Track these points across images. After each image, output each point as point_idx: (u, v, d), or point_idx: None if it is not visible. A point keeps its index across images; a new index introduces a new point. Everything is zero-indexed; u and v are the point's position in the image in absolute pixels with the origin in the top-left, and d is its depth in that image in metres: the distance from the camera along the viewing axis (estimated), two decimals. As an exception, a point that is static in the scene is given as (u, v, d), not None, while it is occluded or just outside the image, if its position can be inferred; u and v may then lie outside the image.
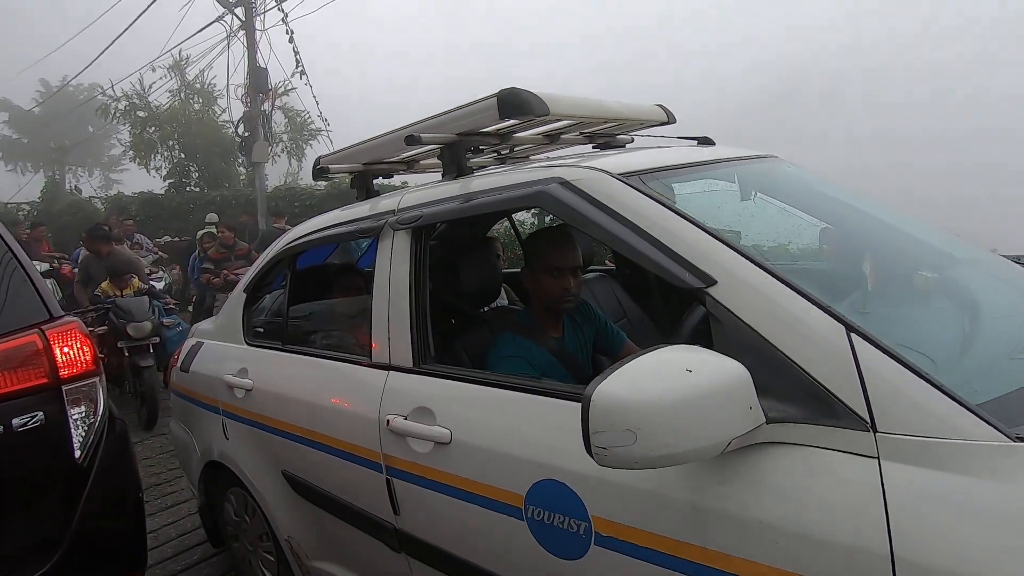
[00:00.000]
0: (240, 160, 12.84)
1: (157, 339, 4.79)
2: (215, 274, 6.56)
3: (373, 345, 1.55)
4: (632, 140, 2.14)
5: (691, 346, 0.89)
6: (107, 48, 11.88)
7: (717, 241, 1.00)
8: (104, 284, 5.00)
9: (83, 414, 1.76)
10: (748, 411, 0.83)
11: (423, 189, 1.61)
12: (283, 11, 9.06)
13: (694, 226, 1.03)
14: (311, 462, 1.69)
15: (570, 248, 1.58)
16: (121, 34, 11.32)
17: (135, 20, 10.72)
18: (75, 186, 17.24)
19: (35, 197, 16.80)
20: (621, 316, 2.47)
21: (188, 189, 13.17)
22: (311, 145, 13.36)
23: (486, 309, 1.96)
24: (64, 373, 1.71)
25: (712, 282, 0.96)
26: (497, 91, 1.42)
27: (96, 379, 1.81)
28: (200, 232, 8.26)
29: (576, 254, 1.59)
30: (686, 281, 0.99)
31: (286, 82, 11.40)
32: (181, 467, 2.80)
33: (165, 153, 13.23)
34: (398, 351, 1.48)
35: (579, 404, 0.79)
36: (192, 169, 13.24)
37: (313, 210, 10.18)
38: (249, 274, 2.27)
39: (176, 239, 10.56)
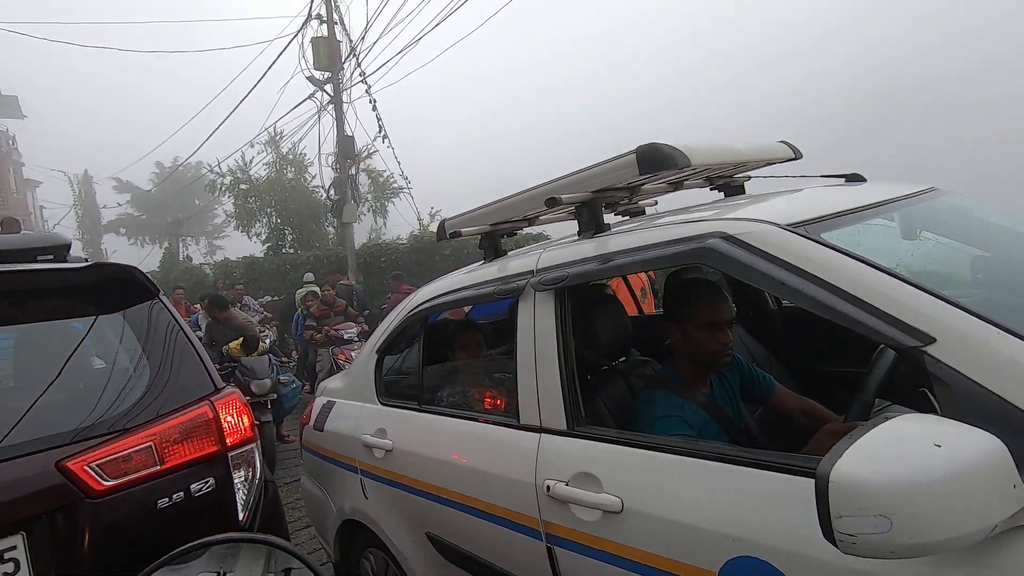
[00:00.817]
0: (330, 221, 13.75)
1: (275, 396, 5.09)
2: (317, 330, 6.93)
3: (521, 406, 1.55)
4: (749, 178, 2.09)
5: (923, 415, 0.82)
6: (213, 133, 13.37)
7: (926, 294, 0.93)
8: (233, 345, 5.36)
9: (244, 478, 1.87)
10: (1012, 490, 0.74)
11: (560, 247, 1.62)
12: (367, 84, 9.81)
13: (894, 278, 0.96)
14: (459, 525, 1.69)
15: (724, 300, 1.52)
16: (225, 120, 12.69)
17: (237, 106, 11.98)
18: (187, 255, 19.12)
19: (155, 267, 18.81)
20: (746, 357, 2.35)
21: (284, 251, 14.20)
22: (393, 203, 14.14)
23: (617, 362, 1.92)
24: (229, 440, 1.83)
25: (930, 340, 0.88)
26: (636, 148, 1.43)
27: (254, 444, 1.93)
28: (301, 291, 8.84)
29: (730, 305, 1.53)
30: (896, 340, 0.91)
31: (369, 146, 12.20)
32: (312, 523, 2.88)
33: (263, 219, 14.43)
34: (549, 413, 1.47)
35: (772, 473, 0.73)
36: (287, 232, 14.32)
37: (398, 265, 10.68)
38: (379, 335, 2.34)
39: (275, 298, 11.32)
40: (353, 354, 6.61)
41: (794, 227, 1.14)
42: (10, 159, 27.72)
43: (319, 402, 2.62)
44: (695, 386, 1.58)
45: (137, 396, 1.77)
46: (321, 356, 6.83)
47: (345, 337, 6.79)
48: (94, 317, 1.87)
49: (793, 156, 1.91)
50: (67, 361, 1.84)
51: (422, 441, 1.89)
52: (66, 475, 1.50)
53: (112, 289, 1.87)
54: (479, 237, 2.02)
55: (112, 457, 1.58)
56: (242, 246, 16.38)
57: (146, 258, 23.54)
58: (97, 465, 1.55)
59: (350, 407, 2.35)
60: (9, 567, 1.42)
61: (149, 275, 1.99)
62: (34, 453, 1.51)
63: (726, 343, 1.51)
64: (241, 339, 5.33)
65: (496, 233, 1.99)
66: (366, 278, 10.92)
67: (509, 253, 1.99)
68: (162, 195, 27.85)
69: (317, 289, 7.80)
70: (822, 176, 1.75)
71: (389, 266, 10.78)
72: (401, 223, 13.51)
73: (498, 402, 1.91)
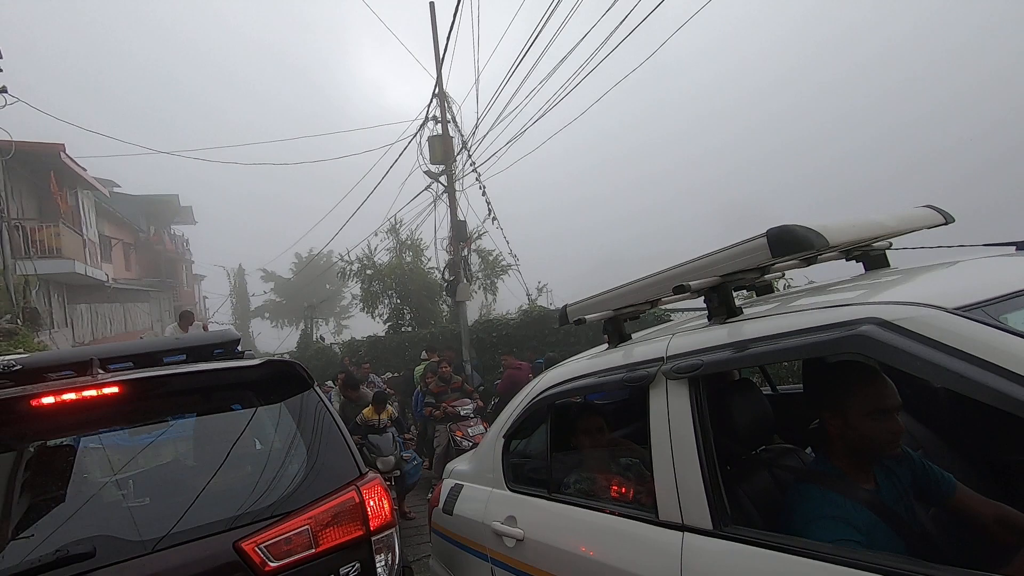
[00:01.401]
0: (444, 300, 14.52)
1: (399, 472, 5.29)
2: (436, 407, 7.17)
3: (659, 501, 1.49)
4: (891, 246, 1.94)
5: None
6: (343, 227, 15.05)
7: None
8: (367, 410, 5.72)
9: (386, 562, 1.94)
10: None
11: (691, 333, 1.59)
12: (477, 172, 10.58)
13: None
14: (597, 624, 1.61)
15: (888, 384, 1.38)
16: (352, 215, 14.28)
17: (363, 203, 13.45)
18: (320, 335, 21.02)
19: (292, 346, 20.84)
20: (913, 447, 2.07)
21: (403, 329, 15.13)
22: (502, 279, 14.69)
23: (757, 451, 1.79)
24: (373, 525, 1.92)
25: None
26: (767, 231, 1.40)
27: (393, 529, 2.01)
28: (419, 368, 9.28)
29: (895, 389, 1.39)
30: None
31: (479, 227, 12.95)
32: None
33: (385, 300, 15.60)
34: (691, 510, 1.39)
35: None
36: (406, 311, 15.30)
37: (508, 340, 10.94)
38: (504, 419, 2.37)
39: (395, 374, 11.96)
40: (470, 430, 6.73)
41: (966, 310, 1.04)
42: (184, 259, 32.88)
43: (447, 484, 2.65)
44: (856, 481, 1.42)
45: (295, 480, 1.94)
46: (439, 432, 7.01)
47: (462, 413, 6.95)
48: (262, 407, 2.11)
49: (943, 221, 1.76)
50: (237, 448, 2.07)
51: (554, 532, 1.85)
52: (241, 555, 1.66)
53: (278, 381, 2.11)
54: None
55: (277, 539, 1.72)
56: (366, 325, 17.76)
57: (285, 339, 26.28)
58: (265, 546, 1.70)
59: (479, 491, 2.36)
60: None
61: (287, 355, 2.23)
62: (216, 534, 1.69)
63: (896, 433, 1.36)
64: (370, 405, 5.68)
65: (620, 318, 1.99)
66: (478, 353, 11.24)
67: (634, 337, 1.98)
68: (299, 282, 31.33)
69: (434, 366, 8.15)
70: (985, 245, 1.58)
71: (500, 341, 11.05)
72: (510, 299, 13.93)
73: (629, 492, 1.85)
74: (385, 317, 15.61)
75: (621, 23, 6.17)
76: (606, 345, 2.08)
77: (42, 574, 1.50)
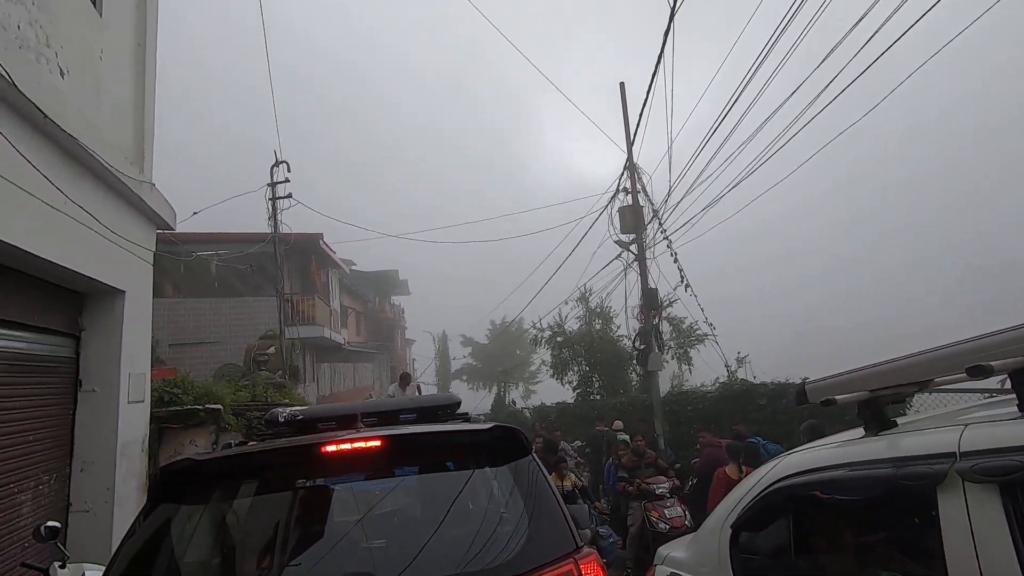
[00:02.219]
0: (634, 368, 14.18)
1: (594, 548, 5.13)
2: (629, 482, 6.89)
3: None
4: None
5: None
6: (534, 297, 15.92)
7: None
8: (552, 478, 5.76)
9: (601, 645, 1.88)
10: None
11: (997, 424, 1.31)
12: (669, 240, 10.43)
13: None
14: None
15: None
16: (544, 285, 15.06)
17: (554, 273, 14.14)
18: (512, 399, 22.04)
19: (487, 409, 22.09)
20: None
21: (592, 397, 15.07)
22: (697, 349, 13.91)
23: None
24: (589, 602, 1.90)
25: None
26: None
27: (611, 611, 1.95)
28: (613, 436, 9.08)
29: None
30: None
31: (671, 295, 12.58)
32: None
33: (574, 368, 15.80)
34: None
35: None
36: (595, 379, 15.27)
37: (704, 414, 10.16)
38: (730, 507, 2.17)
39: (584, 444, 11.84)
40: (667, 511, 6.29)
41: None
42: (399, 325, 37.68)
43: (661, 572, 2.51)
44: None
45: (514, 545, 2.01)
46: (633, 510, 6.68)
47: (657, 492, 6.55)
48: (486, 468, 2.27)
49: None
50: (454, 502, 2.24)
51: None
52: None
53: (501, 445, 2.25)
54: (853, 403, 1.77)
55: None
56: (554, 391, 18.11)
57: (480, 401, 27.98)
58: None
59: None
60: None
61: (482, 416, 2.35)
62: None
63: None
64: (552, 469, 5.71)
65: (880, 400, 1.74)
66: (671, 427, 10.61)
67: (900, 424, 1.70)
68: (494, 348, 33.49)
69: (627, 438, 7.91)
70: None
71: (695, 415, 10.32)
72: (706, 370, 13.04)
73: None
74: (574, 384, 15.76)
75: (837, 75, 5.76)
76: (860, 431, 1.82)
77: None
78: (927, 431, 1.50)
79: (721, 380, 11.13)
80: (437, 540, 2.07)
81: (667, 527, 6.10)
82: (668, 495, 6.55)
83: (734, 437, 7.52)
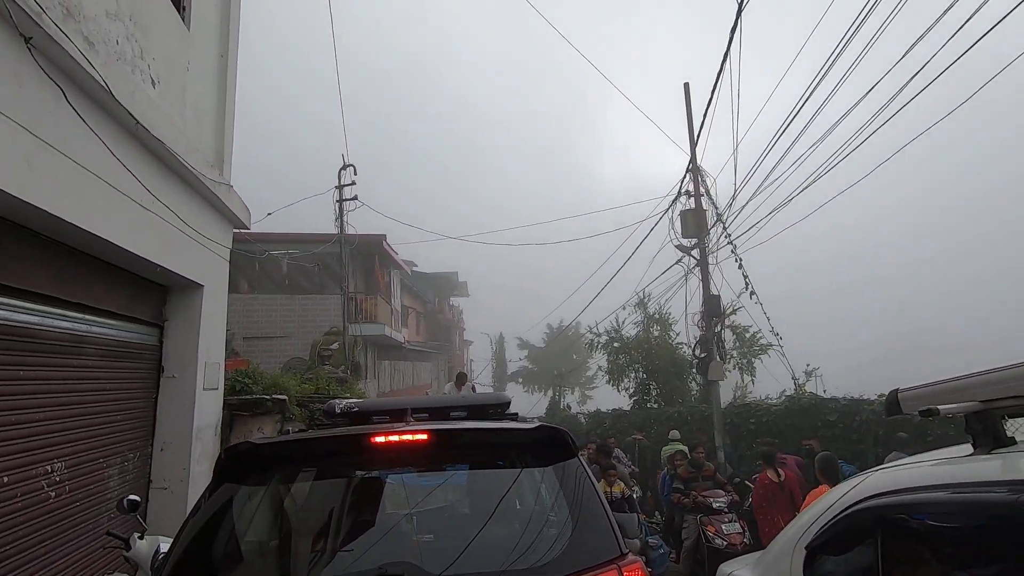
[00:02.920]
0: (693, 377, 13.76)
1: (643, 558, 5.01)
2: (684, 494, 6.68)
3: None
4: None
5: None
6: (592, 300, 15.73)
7: None
8: (601, 484, 5.71)
9: (643, 657, 1.83)
10: None
11: None
12: (733, 245, 10.05)
13: None
14: None
15: None
16: (602, 289, 14.85)
17: (613, 277, 13.92)
18: (567, 404, 21.89)
19: (542, 412, 22.07)
20: None
21: (648, 405, 14.73)
22: (761, 360, 13.32)
23: None
24: (634, 610, 1.86)
25: None
26: None
27: (655, 621, 1.90)
28: (667, 449, 8.84)
29: None
30: None
31: (734, 302, 12.10)
32: None
33: (631, 374, 15.51)
34: None
35: None
36: (652, 387, 14.92)
37: (768, 428, 9.68)
38: (804, 526, 2.01)
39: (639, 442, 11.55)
40: (724, 527, 6.05)
41: None
42: (457, 326, 38.30)
43: None
44: None
45: (558, 546, 1.99)
46: (688, 523, 6.47)
47: (714, 506, 6.32)
48: (533, 468, 2.27)
49: None
50: (507, 502, 2.25)
51: None
52: None
53: (547, 446, 2.24)
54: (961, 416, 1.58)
55: None
56: (609, 397, 17.84)
57: (535, 404, 28.01)
58: None
59: None
60: None
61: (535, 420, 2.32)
62: None
63: None
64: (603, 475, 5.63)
65: (994, 413, 1.53)
66: (733, 440, 10.20)
67: (1020, 442, 1.49)
68: (549, 352, 33.41)
69: (685, 448, 7.68)
70: None
71: (759, 429, 9.86)
72: (770, 382, 12.44)
73: None
74: (631, 391, 15.47)
75: (920, 72, 5.37)
76: (965, 448, 1.64)
77: None
78: None
79: (788, 393, 10.59)
80: (482, 537, 2.09)
81: (724, 543, 5.87)
82: (726, 510, 6.31)
83: (805, 455, 7.14)
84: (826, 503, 1.94)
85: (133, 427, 4.63)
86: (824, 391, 10.15)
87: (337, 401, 3.21)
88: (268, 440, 2.34)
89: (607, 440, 9.83)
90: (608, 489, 5.76)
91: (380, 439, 2.15)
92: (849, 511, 1.77)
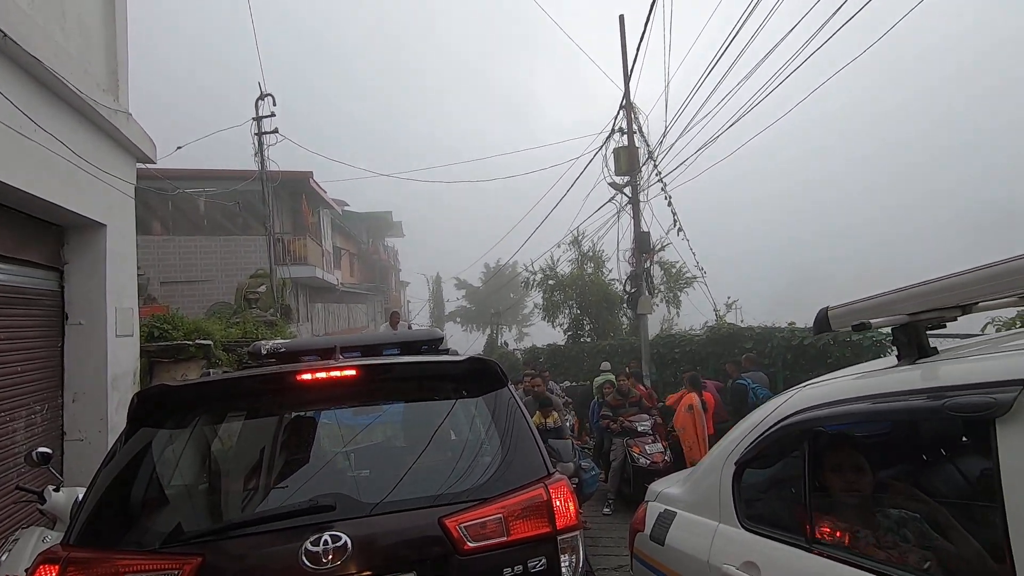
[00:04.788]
0: (624, 311, 14.36)
1: (576, 481, 5.35)
2: (612, 420, 7.10)
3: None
4: None
5: None
6: (527, 239, 15.83)
7: None
8: (535, 417, 5.98)
9: (570, 564, 1.95)
10: None
11: None
12: (663, 183, 10.28)
13: None
14: None
15: None
16: (537, 227, 14.94)
17: (548, 215, 13.99)
18: (504, 341, 22.39)
19: (480, 351, 22.50)
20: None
21: (582, 339, 15.32)
22: (686, 293, 14.03)
23: None
24: (559, 524, 1.95)
25: None
26: None
27: (579, 532, 2.04)
28: (598, 379, 9.29)
29: None
30: None
31: (663, 238, 12.54)
32: None
33: (565, 311, 15.99)
34: None
35: None
36: (585, 322, 15.48)
37: (692, 356, 10.36)
38: (735, 443, 2.02)
39: (574, 383, 12.13)
40: (647, 448, 6.52)
41: None
42: (393, 267, 37.65)
43: (654, 508, 2.41)
44: None
45: (490, 471, 2.08)
46: (615, 446, 6.92)
47: (639, 429, 6.77)
48: (463, 399, 2.32)
49: None
50: (440, 433, 2.30)
51: None
52: (444, 531, 1.84)
53: (478, 377, 2.29)
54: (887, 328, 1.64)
55: (475, 522, 1.86)
56: (546, 334, 18.41)
57: (473, 343, 28.44)
58: (465, 526, 1.85)
59: (700, 524, 2.06)
60: (407, 600, 1.78)
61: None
62: (425, 508, 1.90)
63: None
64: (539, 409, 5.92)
65: (919, 325, 1.56)
66: (658, 368, 10.85)
67: (941, 352, 1.53)
68: (487, 291, 33.69)
69: (613, 378, 8.09)
70: None
71: (683, 358, 10.52)
72: (695, 314, 13.20)
73: (948, 557, 1.44)
74: (565, 327, 15.98)
75: (837, 11, 5.51)
76: (886, 361, 1.69)
77: (300, 516, 1.83)
78: (989, 357, 1.37)
79: (709, 324, 11.29)
80: (416, 467, 2.14)
81: (648, 462, 6.34)
82: (650, 432, 6.77)
83: (724, 378, 7.72)
84: (755, 419, 1.97)
85: (38, 378, 4.31)
86: (741, 321, 10.90)
87: (263, 342, 3.11)
88: (185, 383, 2.25)
89: (543, 374, 10.20)
90: (544, 420, 6.01)
91: (307, 376, 2.12)
92: (778, 426, 1.81)
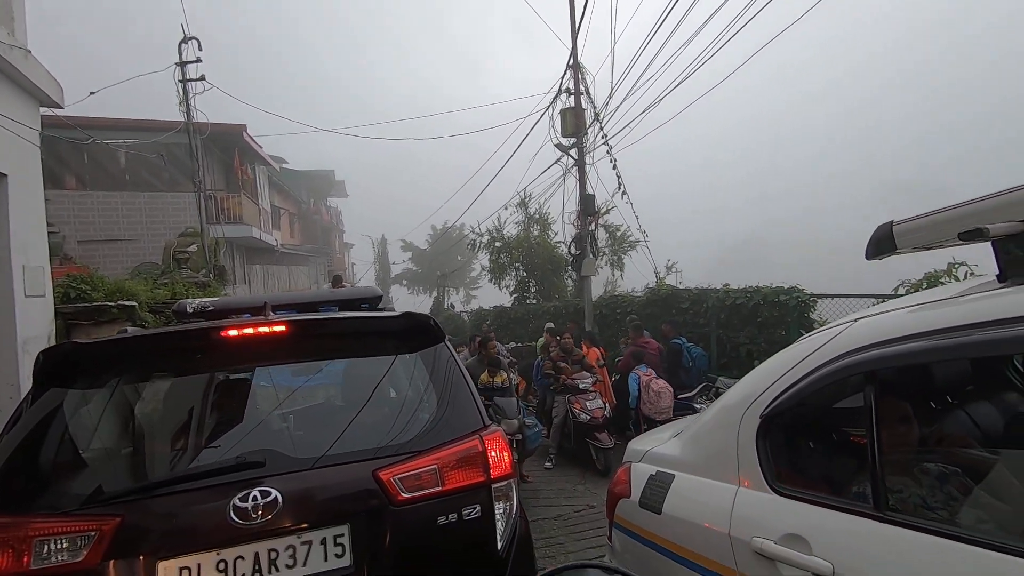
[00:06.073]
0: (569, 274, 14.57)
1: (520, 436, 5.50)
2: (555, 378, 7.30)
3: None
4: None
5: None
6: (474, 201, 15.67)
7: None
8: (483, 376, 6.07)
9: (503, 510, 2.03)
10: None
11: None
12: (609, 145, 10.34)
13: None
14: None
15: None
16: (484, 189, 14.80)
17: (494, 176, 13.85)
18: (450, 303, 22.34)
19: (426, 312, 22.35)
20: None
21: (528, 301, 15.49)
22: (630, 256, 14.37)
23: None
24: (493, 473, 2.01)
25: None
26: None
27: (512, 480, 2.10)
28: (541, 340, 9.47)
29: None
30: None
31: (608, 201, 12.71)
32: None
33: (512, 273, 16.06)
34: None
35: None
36: (531, 284, 15.63)
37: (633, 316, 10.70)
38: (760, 389, 1.65)
39: (520, 345, 12.32)
40: (588, 404, 6.76)
41: None
42: (337, 228, 36.47)
43: (642, 470, 2.07)
44: None
45: (426, 424, 2.10)
46: (557, 403, 7.13)
47: (580, 387, 6.99)
48: (399, 355, 2.30)
49: None
50: (377, 388, 2.29)
51: (904, 574, 1.19)
52: (379, 483, 1.85)
53: (414, 333, 2.28)
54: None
55: (409, 473, 1.89)
56: (493, 296, 18.51)
57: (419, 305, 28.32)
58: (399, 478, 1.87)
59: (712, 489, 1.72)
60: (339, 550, 1.80)
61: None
62: (358, 461, 1.90)
63: None
64: (485, 371, 6.02)
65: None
66: (601, 329, 11.16)
67: None
68: (434, 253, 33.30)
69: (558, 338, 8.26)
70: None
71: (624, 318, 10.85)
72: (637, 277, 13.57)
73: None
74: (511, 289, 16.09)
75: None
76: (960, 286, 1.42)
77: (227, 473, 1.79)
78: None
79: (650, 285, 11.65)
80: (352, 423, 2.12)
81: (588, 417, 6.58)
82: (591, 389, 7.00)
83: (661, 337, 8.02)
84: (785, 362, 1.61)
85: (-65, 341, 3.96)
86: (680, 283, 11.29)
87: (189, 300, 2.96)
88: (96, 340, 2.11)
89: (489, 335, 10.28)
90: (491, 380, 6.09)
91: (234, 333, 2.04)
92: (829, 368, 1.45)
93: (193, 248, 10.29)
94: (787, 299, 7.32)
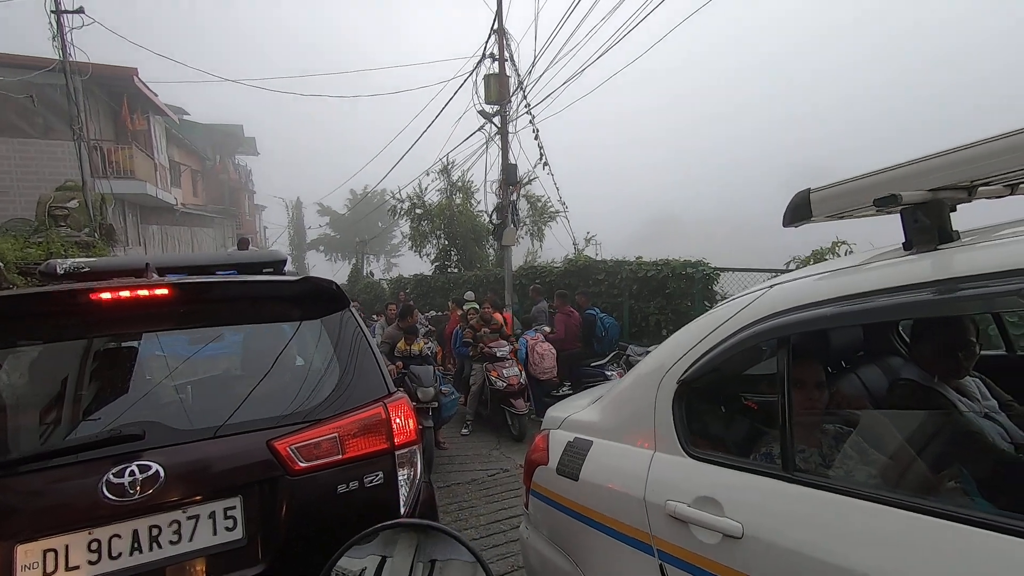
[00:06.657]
0: (490, 243, 14.59)
1: (436, 404, 5.51)
2: (473, 346, 7.35)
3: None
4: None
5: None
6: (395, 165, 15.16)
7: None
8: (400, 343, 6.01)
9: (407, 476, 2.04)
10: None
11: None
12: (531, 114, 10.31)
13: None
14: None
15: None
16: (406, 153, 14.33)
17: (416, 141, 13.45)
18: (370, 271, 21.70)
19: (344, 280, 21.64)
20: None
21: (449, 270, 15.38)
22: (550, 227, 14.59)
23: None
24: (397, 440, 2.01)
25: None
26: None
27: (416, 447, 2.10)
28: (465, 307, 9.47)
29: None
30: None
31: (529, 172, 12.76)
32: None
33: (433, 241, 15.84)
34: None
35: None
36: (453, 253, 15.50)
37: (552, 287, 10.93)
38: (678, 355, 1.67)
39: (439, 313, 12.26)
40: (505, 371, 6.88)
41: None
42: (246, 189, 34.09)
43: (560, 437, 2.07)
44: None
45: (327, 392, 2.04)
46: (475, 371, 7.21)
47: (498, 355, 7.09)
48: (300, 322, 2.20)
49: None
50: (277, 357, 2.19)
51: (804, 531, 1.22)
52: (273, 453, 1.79)
53: (316, 299, 2.19)
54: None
55: (307, 443, 1.84)
56: (414, 264, 18.20)
57: (337, 272, 27.35)
58: (296, 448, 1.81)
59: (627, 454, 1.73)
60: (230, 523, 1.72)
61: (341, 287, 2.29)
62: (252, 432, 1.82)
63: None
64: (403, 338, 5.98)
65: (942, 203, 1.24)
66: (521, 299, 11.32)
67: (963, 236, 1.25)
68: (353, 218, 32.09)
69: (477, 307, 8.29)
70: None
71: (543, 289, 11.07)
72: (557, 248, 13.84)
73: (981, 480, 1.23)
74: (432, 257, 15.89)
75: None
76: (865, 255, 1.43)
77: (99, 448, 1.66)
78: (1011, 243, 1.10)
79: (569, 256, 11.91)
80: (246, 393, 2.02)
81: (504, 384, 6.71)
82: (508, 358, 7.12)
83: (575, 307, 8.26)
84: (702, 328, 1.63)
85: None
86: (598, 255, 11.65)
87: (59, 260, 2.66)
88: None
89: (407, 303, 10.14)
90: (408, 348, 6.02)
91: (107, 296, 1.86)
92: (744, 333, 1.48)
93: (74, 204, 9.23)
94: (693, 272, 7.76)
